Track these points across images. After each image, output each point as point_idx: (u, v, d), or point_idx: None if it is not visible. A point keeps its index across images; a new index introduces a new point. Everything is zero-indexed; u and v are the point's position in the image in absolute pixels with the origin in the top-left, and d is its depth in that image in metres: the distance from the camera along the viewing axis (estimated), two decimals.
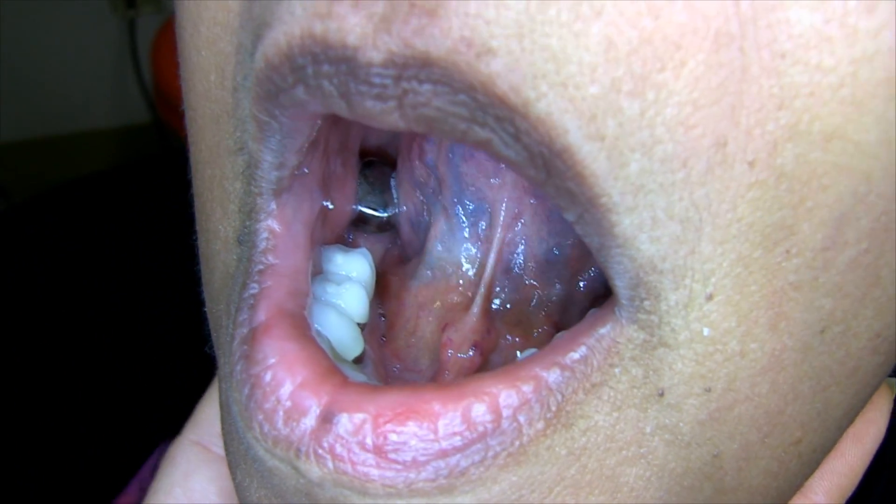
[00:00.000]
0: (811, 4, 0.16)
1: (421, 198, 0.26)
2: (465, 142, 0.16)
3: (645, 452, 0.19)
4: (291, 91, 0.17)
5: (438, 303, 0.25)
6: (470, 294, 0.25)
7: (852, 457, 0.28)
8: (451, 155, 0.24)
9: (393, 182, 0.26)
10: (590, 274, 0.24)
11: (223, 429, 0.22)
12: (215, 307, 0.24)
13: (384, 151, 0.27)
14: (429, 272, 0.25)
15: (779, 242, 0.17)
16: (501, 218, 0.24)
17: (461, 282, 0.25)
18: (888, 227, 0.18)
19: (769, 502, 0.23)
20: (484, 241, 0.25)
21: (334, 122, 0.23)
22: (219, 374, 0.23)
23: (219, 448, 0.29)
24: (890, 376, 0.30)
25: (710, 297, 0.18)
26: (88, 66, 1.67)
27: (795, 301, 0.18)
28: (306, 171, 0.21)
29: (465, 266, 0.25)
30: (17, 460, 0.45)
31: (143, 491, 0.46)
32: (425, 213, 0.26)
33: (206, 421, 0.30)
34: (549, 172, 0.16)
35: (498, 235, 0.24)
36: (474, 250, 0.25)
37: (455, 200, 0.25)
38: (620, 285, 0.18)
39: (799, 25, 0.16)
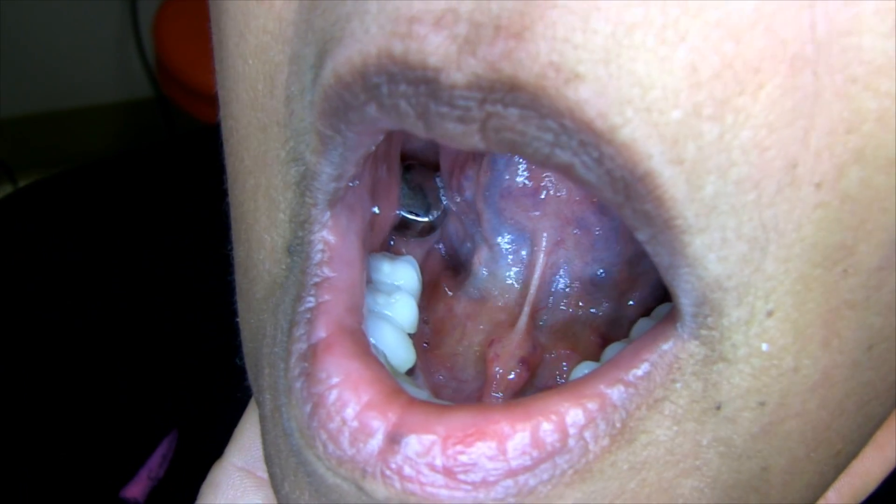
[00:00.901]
0: (884, 32, 0.16)
1: (462, 224, 0.26)
2: (545, 166, 0.16)
3: (700, 465, 0.19)
4: (363, 109, 0.17)
5: (485, 318, 0.25)
6: (515, 312, 0.25)
7: (871, 462, 0.28)
8: (488, 193, 0.25)
9: (438, 182, 0.26)
10: (639, 294, 0.24)
11: (266, 440, 0.22)
12: (255, 317, 0.24)
13: (423, 155, 0.27)
14: (475, 291, 0.25)
15: (838, 262, 0.17)
16: (544, 244, 0.25)
17: (506, 301, 0.25)
18: None
19: None
20: (528, 265, 0.25)
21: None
22: (259, 386, 0.22)
23: (264, 473, 0.28)
24: None
25: (770, 314, 0.18)
26: (91, 41, 1.65)
27: (848, 319, 0.18)
28: (357, 182, 0.21)
29: (511, 285, 0.26)
30: (24, 449, 0.45)
31: (152, 481, 0.46)
32: (467, 242, 0.26)
33: (248, 444, 0.29)
34: (627, 196, 0.16)
35: (541, 260, 0.25)
36: (517, 274, 0.25)
37: (496, 234, 0.25)
38: (686, 303, 0.18)
39: (871, 52, 0.16)
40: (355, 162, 0.20)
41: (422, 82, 0.16)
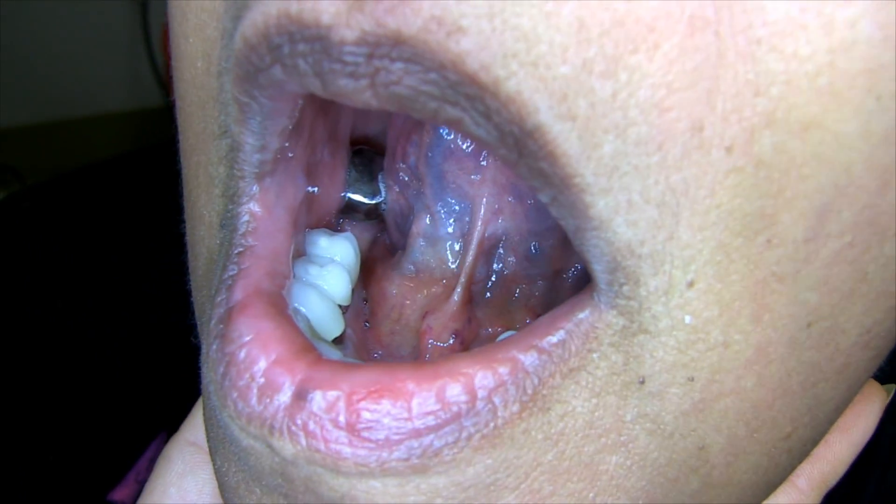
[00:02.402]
0: None
1: (405, 199, 0.26)
2: (436, 121, 0.17)
3: (625, 440, 0.19)
4: (269, 71, 0.18)
5: (422, 293, 0.25)
6: (452, 284, 0.25)
7: (838, 446, 0.28)
8: (430, 154, 0.25)
9: (381, 175, 0.26)
10: (574, 271, 0.24)
11: (204, 415, 0.22)
12: (199, 294, 0.24)
13: (374, 141, 0.27)
14: (411, 266, 0.25)
15: (759, 231, 0.17)
16: (482, 213, 0.24)
17: (444, 274, 0.25)
18: (873, 222, 0.18)
19: (760, 497, 0.23)
20: (466, 234, 0.25)
21: (321, 110, 0.23)
22: (202, 362, 0.23)
23: None
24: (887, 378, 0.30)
25: (690, 285, 0.17)
26: (101, 49, 1.67)
27: (779, 293, 0.18)
28: (290, 156, 0.22)
29: (448, 260, 0.25)
30: (11, 452, 0.45)
31: (140, 484, 0.46)
32: (410, 217, 0.26)
33: (202, 421, 0.30)
34: (520, 152, 0.16)
35: (478, 229, 0.24)
36: (457, 246, 0.25)
37: (437, 199, 0.25)
38: (598, 269, 0.18)
39: (774, 12, 0.16)
40: (278, 132, 0.20)
41: (316, 40, 0.16)
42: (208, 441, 0.22)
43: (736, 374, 0.18)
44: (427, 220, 0.25)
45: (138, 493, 0.46)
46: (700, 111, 0.16)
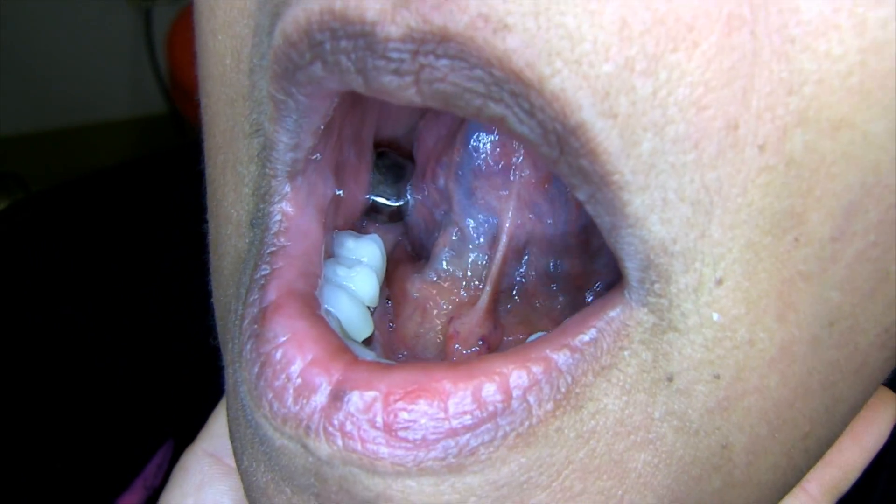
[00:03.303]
0: None
1: (431, 216, 0.27)
2: (480, 118, 0.17)
3: (653, 438, 0.19)
4: (309, 68, 0.18)
5: (445, 299, 0.26)
6: (478, 292, 0.25)
7: (850, 453, 0.28)
8: (460, 172, 0.25)
9: (405, 180, 0.27)
10: (594, 290, 0.25)
11: (228, 416, 0.22)
12: (224, 293, 0.24)
13: (398, 143, 0.27)
14: (433, 274, 0.26)
15: (788, 230, 0.17)
16: (507, 226, 0.25)
17: (467, 282, 0.26)
18: None
19: (777, 497, 0.23)
20: (492, 245, 0.26)
21: (349, 109, 0.23)
22: (225, 361, 0.23)
23: (232, 460, 0.29)
24: None
25: (719, 282, 0.18)
26: (105, 57, 1.68)
27: (804, 292, 0.18)
28: (319, 156, 0.22)
29: (471, 270, 0.26)
30: (19, 458, 0.45)
31: (147, 490, 0.46)
32: (435, 232, 0.27)
33: (219, 431, 0.30)
34: (562, 149, 0.16)
35: (503, 241, 0.25)
36: (481, 258, 0.26)
37: (465, 214, 0.26)
38: (631, 267, 0.18)
39: (808, 12, 0.16)
40: (311, 131, 0.20)
41: (360, 36, 0.16)
42: (233, 441, 0.22)
43: (760, 373, 0.19)
44: (454, 233, 0.26)
45: (146, 499, 0.46)
46: (735, 109, 0.16)
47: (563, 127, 0.16)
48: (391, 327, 0.25)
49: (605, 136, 0.16)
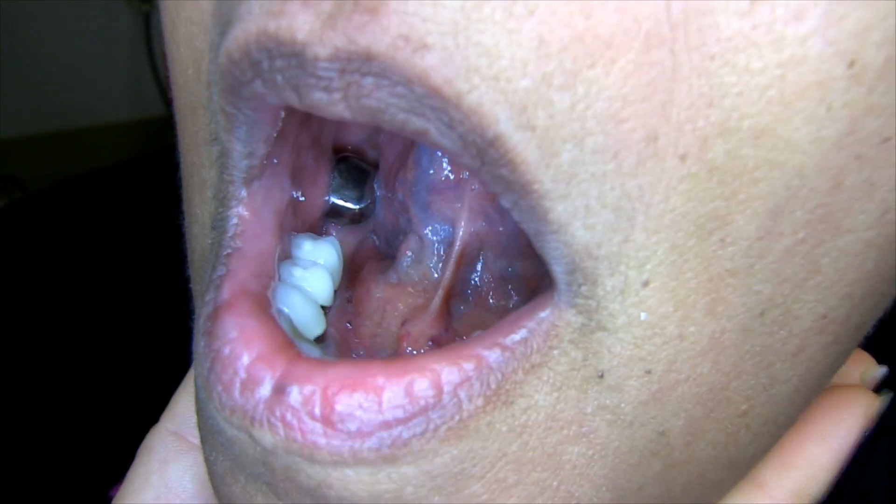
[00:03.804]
0: (740, 11, 0.17)
1: (397, 222, 0.28)
2: (405, 132, 0.18)
3: (587, 431, 0.20)
4: (251, 85, 0.19)
5: (403, 302, 0.27)
6: (432, 296, 0.26)
7: (816, 454, 0.28)
8: (415, 189, 0.27)
9: (368, 182, 0.28)
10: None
11: (196, 407, 0.23)
12: (195, 289, 0.25)
13: (360, 148, 0.28)
14: (395, 276, 0.27)
15: (713, 232, 0.18)
16: (461, 232, 0.26)
17: (425, 287, 0.27)
18: (826, 219, 0.19)
19: (724, 472, 0.23)
20: (446, 252, 0.27)
21: (305, 116, 0.24)
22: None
23: (195, 438, 0.30)
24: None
25: (645, 284, 0.18)
26: (104, 60, 1.69)
27: (733, 286, 0.19)
28: (276, 161, 0.23)
29: (431, 275, 0.27)
30: (13, 449, 0.45)
31: None
32: (400, 235, 0.28)
33: (182, 411, 0.31)
34: (483, 160, 0.17)
35: (456, 247, 0.26)
36: (439, 263, 0.27)
37: (423, 225, 0.27)
38: (558, 270, 0.19)
39: (728, 30, 0.17)
40: (263, 140, 0.21)
41: (292, 56, 0.17)
42: (199, 431, 0.23)
43: (692, 363, 0.20)
44: (415, 241, 0.27)
45: None
46: (655, 122, 0.17)
47: (481, 139, 0.17)
48: (348, 326, 0.26)
49: (523, 147, 0.17)
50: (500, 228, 0.26)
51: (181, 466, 0.29)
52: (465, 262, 0.27)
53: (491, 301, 0.27)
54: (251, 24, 0.18)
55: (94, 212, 0.56)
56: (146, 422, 0.43)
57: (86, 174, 0.60)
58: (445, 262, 0.27)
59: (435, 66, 0.16)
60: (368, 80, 0.17)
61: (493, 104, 0.17)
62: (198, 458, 0.29)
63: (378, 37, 0.16)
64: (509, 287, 0.27)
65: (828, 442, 0.28)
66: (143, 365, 0.50)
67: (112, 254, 0.53)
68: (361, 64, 0.17)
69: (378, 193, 0.28)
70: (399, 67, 0.16)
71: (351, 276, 0.27)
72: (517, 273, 0.27)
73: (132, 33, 1.66)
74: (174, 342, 0.50)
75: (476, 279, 0.27)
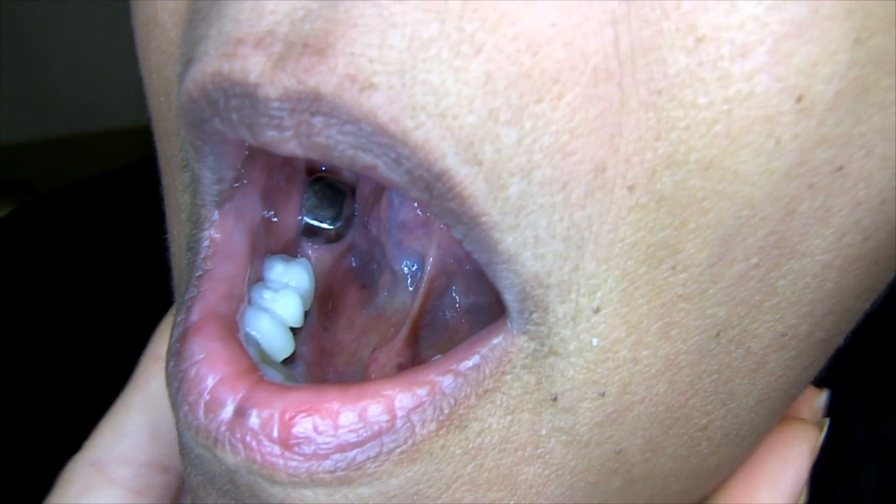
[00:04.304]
0: (686, 48, 0.17)
1: (373, 255, 0.30)
2: (354, 167, 0.18)
3: (542, 452, 0.20)
4: (211, 121, 0.19)
5: (378, 332, 0.28)
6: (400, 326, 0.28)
7: (768, 497, 0.27)
8: (388, 227, 0.28)
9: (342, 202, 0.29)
10: None
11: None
12: (176, 306, 0.26)
13: (334, 168, 0.29)
14: (374, 309, 0.29)
15: (663, 260, 0.19)
16: (428, 268, 0.28)
17: (398, 319, 0.28)
18: (779, 244, 0.19)
19: (688, 482, 0.24)
20: (416, 286, 0.28)
21: None
22: None
23: (113, 471, 0.30)
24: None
25: (596, 310, 0.19)
26: (113, 64, 1.70)
27: (686, 311, 0.19)
28: (246, 182, 0.23)
29: (403, 307, 0.29)
30: (17, 456, 0.46)
31: None
32: (374, 264, 0.30)
33: (104, 442, 0.30)
34: (431, 194, 0.18)
35: (424, 282, 0.28)
36: (411, 295, 0.29)
37: (397, 261, 0.29)
38: (510, 299, 0.19)
39: (675, 66, 0.17)
40: (230, 166, 0.22)
41: (245, 96, 0.18)
42: (179, 444, 0.24)
43: (647, 385, 0.20)
44: (389, 276, 0.29)
45: None
46: (603, 154, 0.18)
47: (428, 174, 0.17)
48: (324, 347, 0.27)
49: (471, 181, 0.17)
50: (467, 267, 0.28)
51: (95, 501, 0.29)
52: (434, 295, 0.28)
53: (458, 332, 0.28)
54: (207, 65, 0.18)
55: (102, 214, 0.57)
56: None
57: (89, 178, 0.61)
58: (414, 295, 0.28)
59: (381, 104, 0.17)
60: (318, 119, 0.17)
61: (440, 140, 0.17)
62: (115, 491, 0.30)
63: (326, 77, 0.17)
64: (476, 320, 0.28)
65: (780, 485, 0.27)
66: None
67: (113, 257, 0.54)
68: (311, 104, 0.17)
69: (356, 214, 0.29)
70: (346, 106, 0.17)
71: (326, 295, 0.28)
72: (483, 307, 0.28)
73: None
74: None
75: (444, 312, 0.28)
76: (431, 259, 0.28)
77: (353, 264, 0.30)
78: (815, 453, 0.28)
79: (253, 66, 0.18)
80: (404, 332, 0.27)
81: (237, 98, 0.18)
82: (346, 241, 0.29)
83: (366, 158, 0.18)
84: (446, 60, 0.17)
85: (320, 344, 0.27)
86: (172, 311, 0.33)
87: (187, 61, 0.20)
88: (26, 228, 0.56)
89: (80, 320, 0.51)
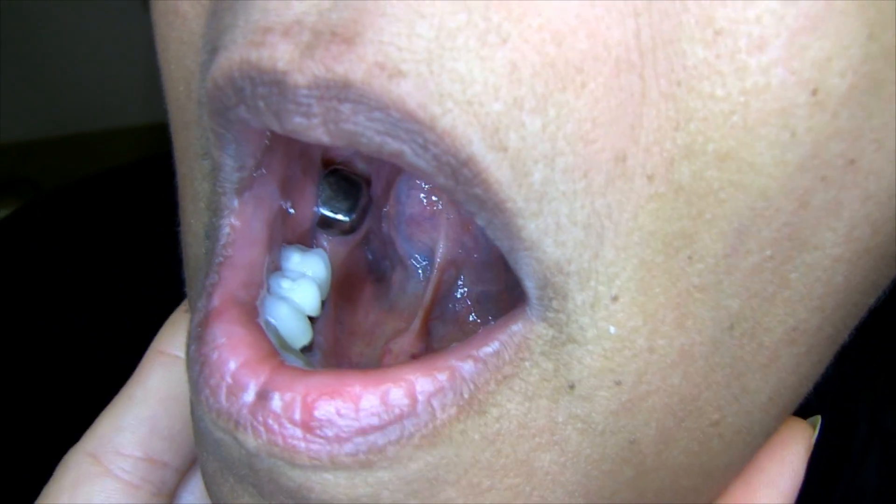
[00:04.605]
0: (704, 40, 0.17)
1: (385, 246, 0.30)
2: (381, 154, 0.18)
3: (558, 439, 0.20)
4: (236, 109, 0.20)
5: (390, 325, 0.28)
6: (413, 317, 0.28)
7: (767, 498, 0.27)
8: (397, 222, 0.29)
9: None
10: None
11: (190, 408, 0.24)
12: (189, 293, 0.27)
13: (349, 160, 0.29)
14: (387, 303, 0.29)
15: (680, 249, 0.19)
16: (438, 260, 0.28)
17: (410, 311, 0.29)
18: (792, 237, 0.20)
19: (698, 479, 0.24)
20: (426, 278, 0.29)
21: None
22: None
23: (111, 462, 0.30)
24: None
25: (615, 299, 0.19)
26: (119, 63, 1.71)
27: (701, 301, 0.20)
28: (265, 172, 0.24)
29: (415, 300, 0.29)
30: (18, 456, 0.46)
31: None
32: (387, 260, 0.30)
33: (103, 432, 0.31)
34: (457, 180, 0.18)
35: (434, 274, 0.28)
36: (422, 288, 0.29)
37: (408, 255, 0.29)
38: (530, 286, 0.20)
39: (693, 58, 0.18)
40: (251, 154, 0.22)
41: (273, 84, 0.18)
42: (194, 433, 0.24)
43: (662, 375, 0.20)
44: (401, 271, 0.29)
45: None
46: (623, 143, 0.18)
47: (455, 160, 0.18)
48: (339, 338, 0.27)
49: (496, 167, 0.18)
50: (476, 256, 0.28)
51: (91, 490, 0.30)
52: (444, 287, 0.28)
53: (468, 323, 0.28)
54: (235, 53, 0.19)
55: (97, 214, 0.57)
56: None
57: (90, 177, 0.61)
58: (426, 287, 0.28)
59: (410, 91, 0.17)
60: (346, 106, 0.18)
61: (466, 126, 0.17)
62: (110, 483, 0.30)
63: (355, 65, 0.17)
64: (485, 310, 0.28)
65: (779, 487, 0.27)
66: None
67: (113, 255, 0.54)
68: (339, 91, 0.18)
69: (370, 208, 0.29)
70: (375, 94, 0.17)
71: (342, 286, 0.28)
72: (492, 297, 0.28)
73: (147, 36, 1.67)
74: None
75: (454, 304, 0.29)
76: (440, 250, 0.28)
77: (369, 257, 0.30)
78: (810, 451, 0.28)
79: (281, 55, 0.18)
80: (417, 323, 0.27)
81: (264, 86, 0.18)
82: (359, 232, 0.29)
83: (393, 145, 0.18)
84: (473, 49, 0.17)
85: (336, 333, 0.27)
86: (181, 307, 0.33)
87: (212, 50, 0.20)
88: (28, 228, 0.56)
89: (80, 319, 0.51)
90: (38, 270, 0.53)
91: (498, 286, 0.28)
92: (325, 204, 0.28)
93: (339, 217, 0.28)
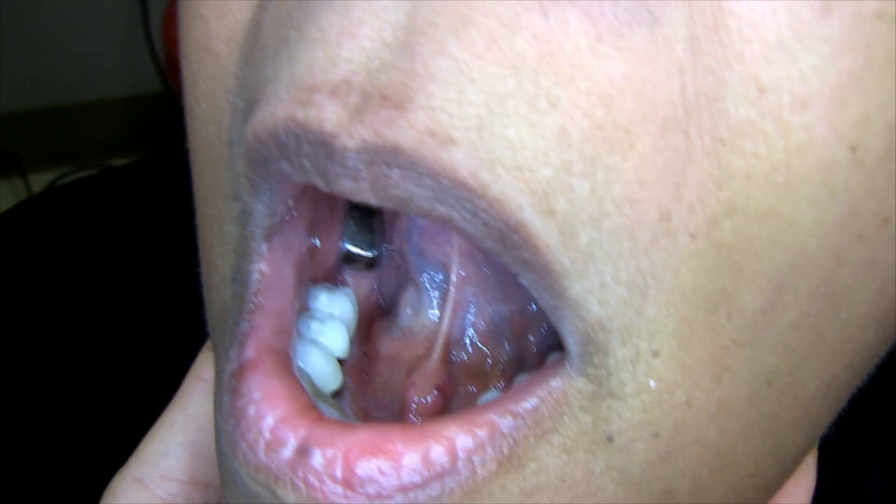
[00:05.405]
0: (748, 98, 0.18)
1: (398, 272, 0.29)
2: (430, 218, 0.19)
3: (595, 490, 0.21)
4: (277, 163, 0.20)
5: (408, 353, 0.28)
6: (432, 346, 0.28)
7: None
8: (408, 234, 0.28)
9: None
10: (542, 332, 0.27)
11: (217, 457, 0.24)
12: (214, 335, 0.26)
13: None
14: (398, 331, 0.28)
15: (720, 305, 0.19)
16: (454, 278, 0.28)
17: (426, 337, 0.28)
18: (828, 294, 0.20)
19: None
20: (442, 299, 0.28)
21: None
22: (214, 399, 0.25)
23: (158, 486, 0.30)
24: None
25: (655, 354, 0.19)
26: (101, 36, 1.68)
27: (739, 356, 0.20)
28: (294, 214, 0.24)
29: (431, 323, 0.28)
30: (25, 453, 0.46)
31: None
32: (399, 289, 0.29)
33: (147, 458, 0.31)
34: (505, 244, 0.18)
35: (452, 294, 0.28)
36: (437, 313, 0.29)
37: (419, 272, 0.28)
38: (571, 342, 0.20)
39: (737, 116, 0.18)
40: (285, 202, 0.22)
41: (320, 144, 0.18)
42: (220, 474, 0.24)
43: (699, 427, 0.20)
44: (412, 292, 0.29)
45: None
46: (668, 202, 0.18)
47: (505, 225, 0.18)
48: (365, 377, 0.27)
49: (545, 231, 0.18)
50: (486, 270, 0.27)
51: None
52: (460, 308, 0.28)
53: (486, 348, 0.28)
54: (279, 110, 0.19)
55: (97, 213, 0.56)
56: (155, 418, 0.44)
57: (90, 176, 0.60)
58: (442, 310, 0.28)
59: (461, 160, 0.17)
60: (396, 172, 0.18)
61: (517, 193, 0.17)
62: None
63: (405, 131, 0.17)
64: (501, 333, 0.28)
65: (794, 497, 0.28)
66: (152, 360, 0.51)
67: (118, 250, 0.54)
68: (389, 157, 0.17)
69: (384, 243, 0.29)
70: (426, 161, 0.17)
71: (364, 325, 0.28)
72: (506, 319, 0.28)
73: (129, 10, 1.64)
74: (185, 345, 0.51)
75: (470, 326, 0.28)
76: (454, 265, 0.28)
77: (380, 296, 0.30)
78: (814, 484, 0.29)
79: (329, 115, 0.18)
80: (438, 350, 0.27)
81: (310, 146, 0.18)
82: (381, 266, 0.29)
83: (442, 210, 0.18)
84: (523, 115, 0.17)
85: (361, 373, 0.27)
86: (209, 344, 0.33)
87: (251, 99, 0.20)
88: (26, 227, 0.55)
89: (81, 319, 0.51)
90: (37, 271, 0.52)
91: (508, 305, 0.28)
92: (350, 239, 0.28)
93: (363, 252, 0.28)
